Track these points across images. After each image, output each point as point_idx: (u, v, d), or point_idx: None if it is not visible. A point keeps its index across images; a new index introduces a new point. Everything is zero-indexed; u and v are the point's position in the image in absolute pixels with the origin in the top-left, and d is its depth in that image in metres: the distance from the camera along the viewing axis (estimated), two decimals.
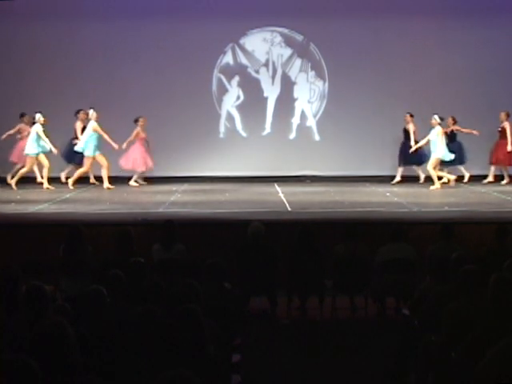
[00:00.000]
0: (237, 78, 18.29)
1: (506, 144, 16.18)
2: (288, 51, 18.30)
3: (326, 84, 18.24)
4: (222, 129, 17.91)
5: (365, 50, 17.58)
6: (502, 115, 16.22)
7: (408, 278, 8.28)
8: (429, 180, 15.80)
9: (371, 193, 14.99)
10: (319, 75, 18.29)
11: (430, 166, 15.59)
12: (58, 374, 3.88)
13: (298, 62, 18.33)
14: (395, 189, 15.34)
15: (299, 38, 18.20)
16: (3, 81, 17.38)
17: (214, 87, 18.24)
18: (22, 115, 16.27)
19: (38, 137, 15.23)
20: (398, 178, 16.53)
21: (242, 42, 18.22)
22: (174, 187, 15.82)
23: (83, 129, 15.85)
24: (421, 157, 16.27)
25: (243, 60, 18.31)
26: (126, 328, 4.94)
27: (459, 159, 16.32)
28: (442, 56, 17.53)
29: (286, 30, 18.15)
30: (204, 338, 4.71)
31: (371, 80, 17.53)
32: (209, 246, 9.78)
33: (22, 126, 16.24)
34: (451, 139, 16.32)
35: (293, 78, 18.36)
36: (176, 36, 17.57)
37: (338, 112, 17.39)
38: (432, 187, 15.32)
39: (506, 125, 16.15)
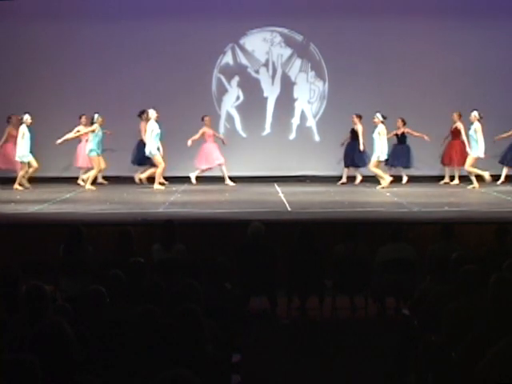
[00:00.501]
0: (236, 78, 18.28)
1: (459, 144, 16.19)
2: (288, 51, 18.28)
3: (326, 84, 18.23)
4: (221, 129, 17.88)
5: (365, 50, 17.57)
6: (455, 116, 16.18)
7: (408, 278, 8.28)
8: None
9: (371, 193, 15.00)
10: (319, 75, 18.28)
11: (372, 166, 15.74)
12: (58, 374, 3.87)
13: (297, 62, 18.31)
14: (395, 189, 15.34)
15: (299, 38, 18.18)
16: (2, 80, 17.38)
17: (214, 87, 18.23)
18: (80, 117, 16.18)
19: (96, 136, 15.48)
20: (343, 180, 16.64)
21: (241, 42, 18.20)
22: (173, 187, 15.83)
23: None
24: (365, 159, 16.39)
25: (243, 60, 18.29)
26: (126, 328, 4.94)
27: (404, 162, 16.51)
28: (442, 56, 17.51)
29: (285, 30, 18.13)
30: (204, 338, 4.70)
31: (371, 80, 17.53)
32: (209, 246, 9.78)
33: (80, 128, 16.16)
34: (401, 141, 16.49)
35: (293, 78, 18.35)
36: (175, 36, 17.55)
37: (338, 112, 17.35)
38: (378, 187, 15.59)
39: (460, 125, 16.14)
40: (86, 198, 14.23)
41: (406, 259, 8.49)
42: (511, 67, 17.44)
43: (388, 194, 14.64)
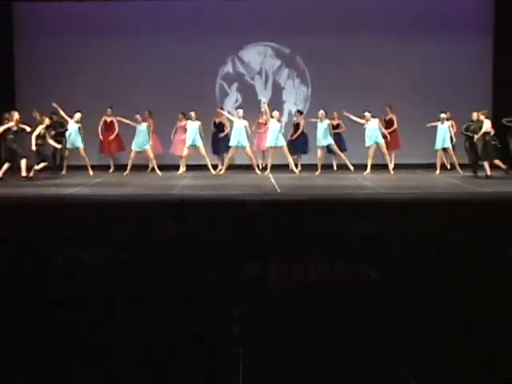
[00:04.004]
0: (236, 84, 18.27)
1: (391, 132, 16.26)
2: (278, 62, 18.28)
3: (309, 89, 18.25)
4: None
5: (341, 60, 17.61)
6: (388, 109, 16.31)
7: (376, 248, 8.27)
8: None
9: (345, 178, 14.97)
10: (303, 82, 18.28)
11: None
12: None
13: (286, 70, 18.32)
14: (365, 174, 15.34)
15: (287, 51, 18.18)
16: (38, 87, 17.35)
17: (217, 92, 18.23)
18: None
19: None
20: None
21: (240, 54, 18.20)
22: (184, 174, 15.80)
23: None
24: (306, 145, 16.53)
25: (241, 69, 18.28)
26: (146, 289, 4.93)
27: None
28: (401, 65, 17.60)
29: (276, 45, 18.15)
30: (210, 297, 4.71)
31: (346, 86, 17.55)
32: (214, 222, 9.74)
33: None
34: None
35: (282, 84, 18.36)
36: (186, 49, 17.55)
37: (318, 112, 17.31)
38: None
39: (393, 117, 16.28)
40: (113, 183, 14.18)
41: (375, 233, 8.48)
42: (458, 74, 17.49)
43: (359, 178, 14.63)
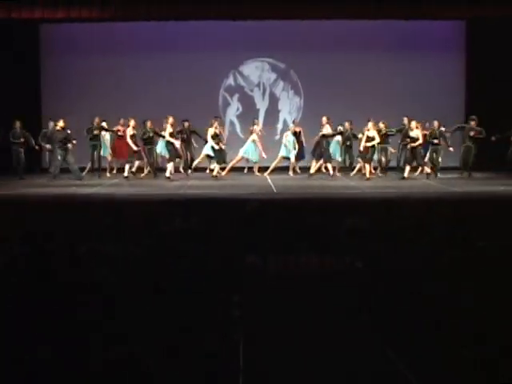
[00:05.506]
0: (237, 95, 18.25)
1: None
2: (274, 75, 18.27)
3: (302, 100, 18.24)
4: (226, 132, 17.79)
5: (330, 74, 17.59)
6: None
7: (361, 242, 8.24)
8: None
9: (335, 178, 14.95)
10: (297, 93, 18.27)
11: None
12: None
13: (281, 83, 18.30)
14: (352, 175, 15.30)
15: (282, 65, 18.17)
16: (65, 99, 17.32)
17: (220, 102, 18.21)
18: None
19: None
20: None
21: (240, 68, 18.18)
22: (190, 175, 15.75)
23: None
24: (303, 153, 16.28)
25: (241, 82, 18.27)
26: (158, 277, 4.91)
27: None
28: (384, 80, 17.56)
29: (272, 61, 18.14)
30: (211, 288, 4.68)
31: (334, 96, 17.49)
32: (217, 219, 9.70)
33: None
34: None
35: (277, 95, 18.35)
36: (193, 65, 17.52)
37: (310, 120, 17.28)
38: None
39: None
40: (128, 183, 14.14)
41: (361, 228, 8.44)
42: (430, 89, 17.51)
43: (346, 179, 14.61)
